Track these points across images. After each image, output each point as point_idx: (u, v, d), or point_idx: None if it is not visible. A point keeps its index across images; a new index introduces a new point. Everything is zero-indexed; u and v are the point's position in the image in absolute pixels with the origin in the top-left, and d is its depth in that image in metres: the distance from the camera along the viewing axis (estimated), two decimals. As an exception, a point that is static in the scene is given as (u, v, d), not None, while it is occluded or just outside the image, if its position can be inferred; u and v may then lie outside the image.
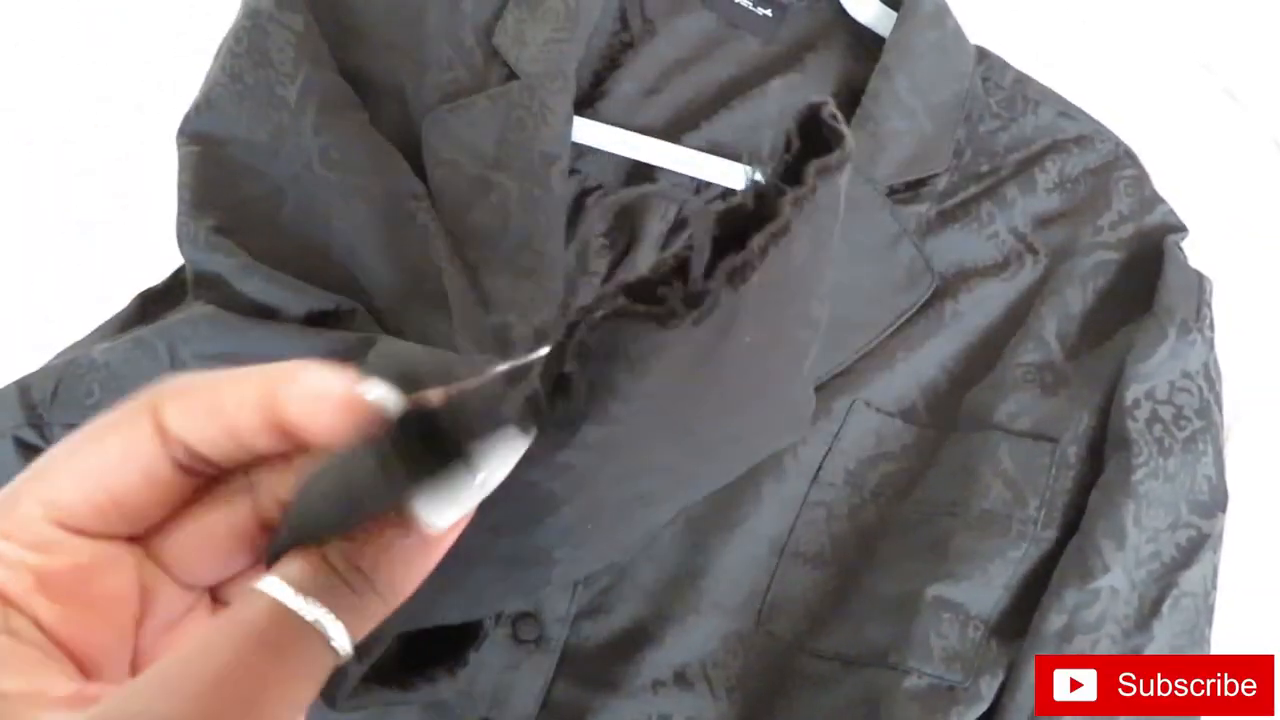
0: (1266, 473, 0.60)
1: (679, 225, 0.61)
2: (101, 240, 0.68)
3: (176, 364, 0.51)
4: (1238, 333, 0.59)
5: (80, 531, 0.24)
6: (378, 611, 0.24)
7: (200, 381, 0.25)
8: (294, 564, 0.23)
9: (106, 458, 0.24)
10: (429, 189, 0.58)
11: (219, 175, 0.58)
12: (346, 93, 0.57)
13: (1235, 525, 0.54)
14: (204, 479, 0.25)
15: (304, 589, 0.22)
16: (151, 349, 0.51)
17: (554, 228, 0.57)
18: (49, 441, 0.52)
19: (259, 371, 0.24)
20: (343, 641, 0.23)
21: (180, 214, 0.55)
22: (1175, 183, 0.59)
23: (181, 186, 0.56)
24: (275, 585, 0.22)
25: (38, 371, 0.53)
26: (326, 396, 0.24)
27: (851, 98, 0.60)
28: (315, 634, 0.22)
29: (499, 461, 0.24)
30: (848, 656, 0.52)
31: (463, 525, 0.25)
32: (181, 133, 0.58)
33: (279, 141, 0.56)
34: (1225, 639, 0.54)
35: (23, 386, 0.53)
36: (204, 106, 0.57)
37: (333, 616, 0.22)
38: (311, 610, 0.22)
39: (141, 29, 0.70)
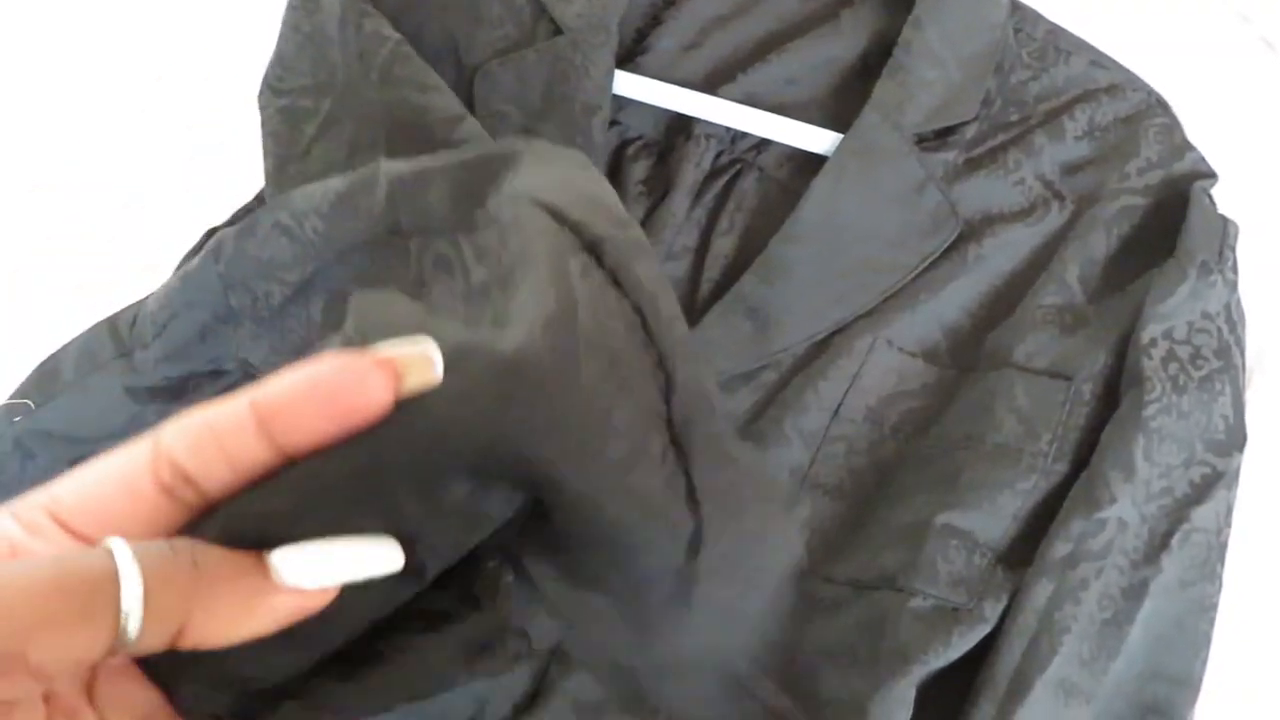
0: None
1: (714, 173, 0.64)
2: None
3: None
4: (1267, 279, 0.59)
5: (69, 529, 0.24)
6: (179, 616, 0.23)
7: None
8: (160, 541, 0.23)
9: (106, 461, 0.24)
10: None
11: (289, 130, 0.63)
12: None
13: (1256, 466, 0.54)
14: (186, 509, 0.24)
15: (141, 554, 0.22)
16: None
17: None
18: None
19: (256, 387, 0.24)
20: (133, 607, 0.22)
21: (267, 170, 0.60)
22: (1209, 132, 0.59)
23: (265, 143, 0.60)
24: (119, 543, 0.22)
25: (124, 309, 0.58)
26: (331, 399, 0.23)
27: (884, 50, 0.62)
28: (110, 585, 0.21)
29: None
30: (859, 582, 0.54)
31: (323, 601, 0.24)
32: (261, 94, 0.63)
33: (333, 77, 0.60)
34: (1241, 577, 0.55)
35: (111, 322, 0.58)
36: (274, 63, 0.62)
37: (139, 585, 0.22)
38: (128, 568, 0.22)
39: (203, 6, 0.75)
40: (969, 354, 0.58)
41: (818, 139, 0.62)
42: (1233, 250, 0.56)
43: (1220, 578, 0.53)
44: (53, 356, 0.58)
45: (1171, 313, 0.54)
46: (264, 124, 0.63)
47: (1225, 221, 0.57)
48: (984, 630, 0.51)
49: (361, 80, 0.59)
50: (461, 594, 0.33)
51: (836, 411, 0.57)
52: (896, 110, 0.60)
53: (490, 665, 0.33)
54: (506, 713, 0.55)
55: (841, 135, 0.60)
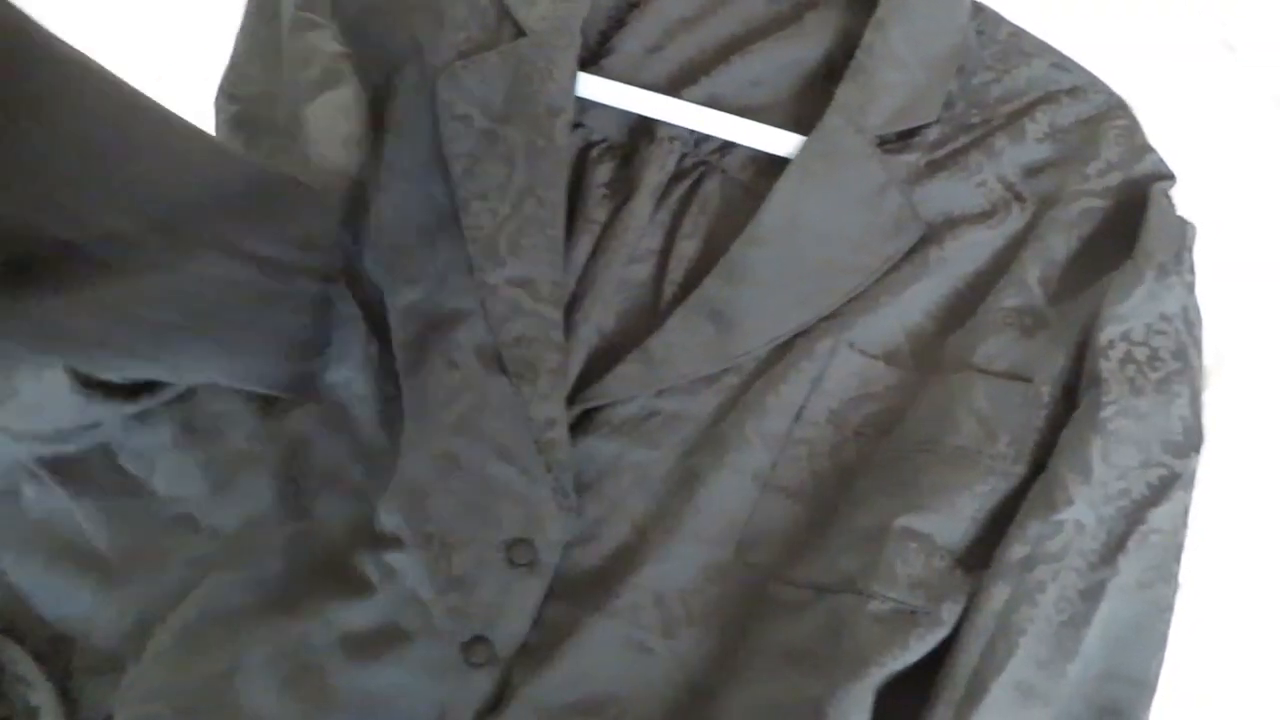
0: (1247, 417, 0.60)
1: (678, 176, 0.64)
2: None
3: None
4: (1225, 280, 0.60)
5: None
6: None
7: None
8: None
9: None
10: (441, 143, 0.61)
11: (236, 137, 0.63)
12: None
13: (1214, 468, 0.55)
14: None
15: None
16: None
17: (557, 177, 0.60)
18: None
19: None
20: None
21: None
22: (1169, 134, 0.59)
23: None
24: None
25: None
26: None
27: (848, 52, 0.62)
28: None
29: None
30: (819, 584, 0.54)
31: None
32: (216, 98, 0.64)
33: (282, 88, 0.60)
34: (1201, 577, 0.55)
35: None
36: (229, 67, 0.62)
37: None
38: None
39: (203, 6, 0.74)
40: (930, 356, 0.58)
41: (781, 141, 0.62)
42: (1190, 252, 0.56)
43: (1177, 579, 0.53)
44: None
45: (1129, 314, 0.54)
46: (216, 129, 0.63)
47: (1184, 223, 0.57)
48: (942, 633, 0.51)
49: (297, 95, 0.59)
50: None
51: (799, 415, 0.57)
52: (859, 112, 0.60)
53: None
54: (469, 719, 0.55)
55: (804, 138, 0.60)
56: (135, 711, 0.55)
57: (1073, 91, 0.61)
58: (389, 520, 0.57)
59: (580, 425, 0.59)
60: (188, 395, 0.60)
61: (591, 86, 0.63)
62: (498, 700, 0.56)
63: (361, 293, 0.60)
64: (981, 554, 0.53)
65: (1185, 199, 0.58)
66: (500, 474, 0.57)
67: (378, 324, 0.60)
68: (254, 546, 0.58)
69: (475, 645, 0.56)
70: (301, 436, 0.60)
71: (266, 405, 0.60)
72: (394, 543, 0.57)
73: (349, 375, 0.60)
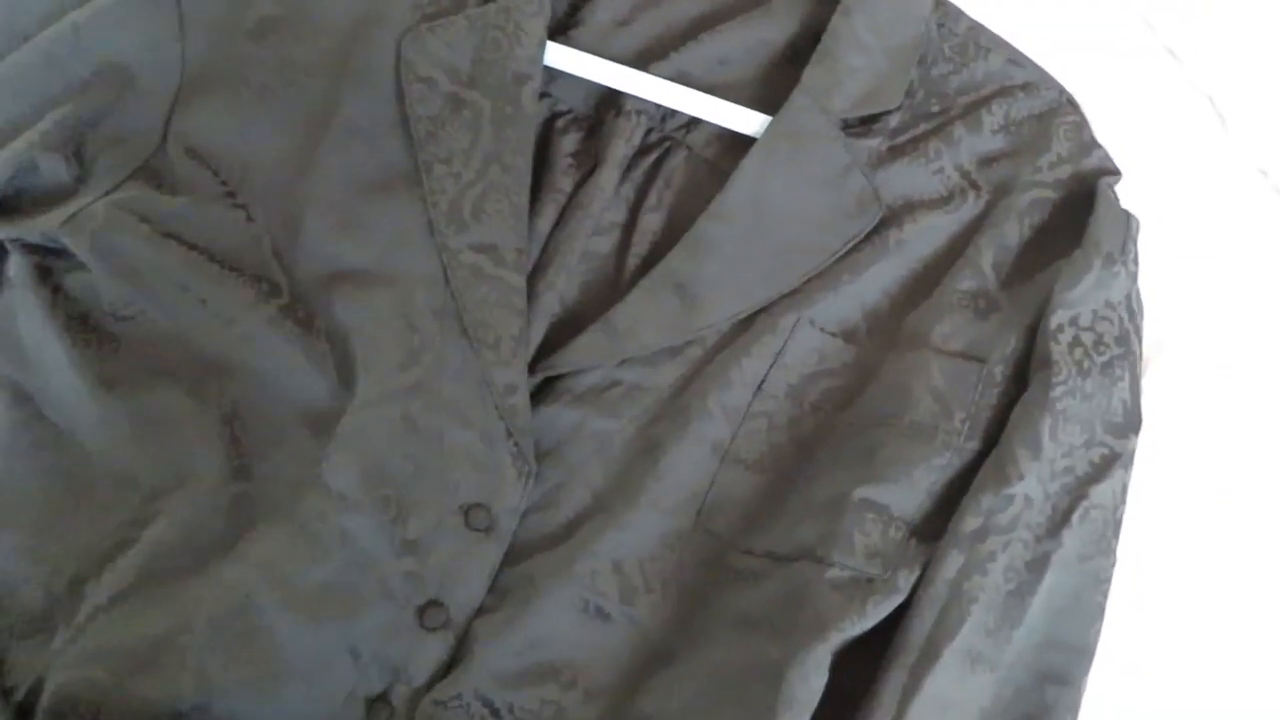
0: (1183, 401, 0.64)
1: (643, 150, 0.64)
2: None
3: None
4: (1163, 272, 0.63)
5: None
6: None
7: None
8: None
9: None
10: (404, 105, 0.61)
11: None
12: None
13: (1150, 448, 0.58)
14: None
15: None
16: None
17: (523, 144, 0.60)
18: None
19: None
20: None
21: None
22: (1112, 132, 0.63)
23: None
24: None
25: None
26: None
27: (813, 36, 0.63)
28: None
29: None
30: (778, 554, 0.56)
31: None
32: None
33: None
34: (1137, 551, 0.58)
35: None
36: None
37: None
38: None
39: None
40: (887, 335, 0.60)
41: (747, 120, 0.63)
42: (1135, 243, 0.59)
43: (1115, 553, 0.56)
44: None
45: (1078, 300, 0.57)
46: None
47: (1129, 216, 0.60)
48: (898, 600, 0.53)
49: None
50: None
51: (759, 388, 0.59)
52: (824, 95, 0.61)
53: None
54: (422, 682, 0.55)
55: (770, 117, 0.62)
56: (71, 675, 0.53)
57: (1026, 87, 0.63)
58: (341, 482, 0.56)
59: (541, 394, 0.59)
60: (107, 347, 0.59)
61: (559, 56, 0.63)
62: (451, 664, 0.56)
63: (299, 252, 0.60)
64: (936, 525, 0.55)
65: (1125, 191, 0.61)
66: (459, 439, 0.57)
67: (318, 284, 0.60)
68: (195, 506, 0.57)
69: (430, 609, 0.56)
70: (243, 395, 0.59)
71: (204, 366, 0.59)
72: (347, 505, 0.56)
73: (287, 335, 0.59)
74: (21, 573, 0.56)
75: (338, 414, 0.58)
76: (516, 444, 0.57)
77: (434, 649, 0.56)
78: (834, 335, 0.60)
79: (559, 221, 0.62)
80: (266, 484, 0.58)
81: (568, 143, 0.64)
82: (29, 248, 0.60)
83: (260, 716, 0.54)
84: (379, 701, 0.55)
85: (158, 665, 0.54)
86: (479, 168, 0.60)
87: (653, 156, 0.64)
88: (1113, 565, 0.56)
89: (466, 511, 0.57)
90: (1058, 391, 0.55)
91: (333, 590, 0.56)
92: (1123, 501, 0.57)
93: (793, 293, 0.60)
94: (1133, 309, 0.59)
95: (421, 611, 0.56)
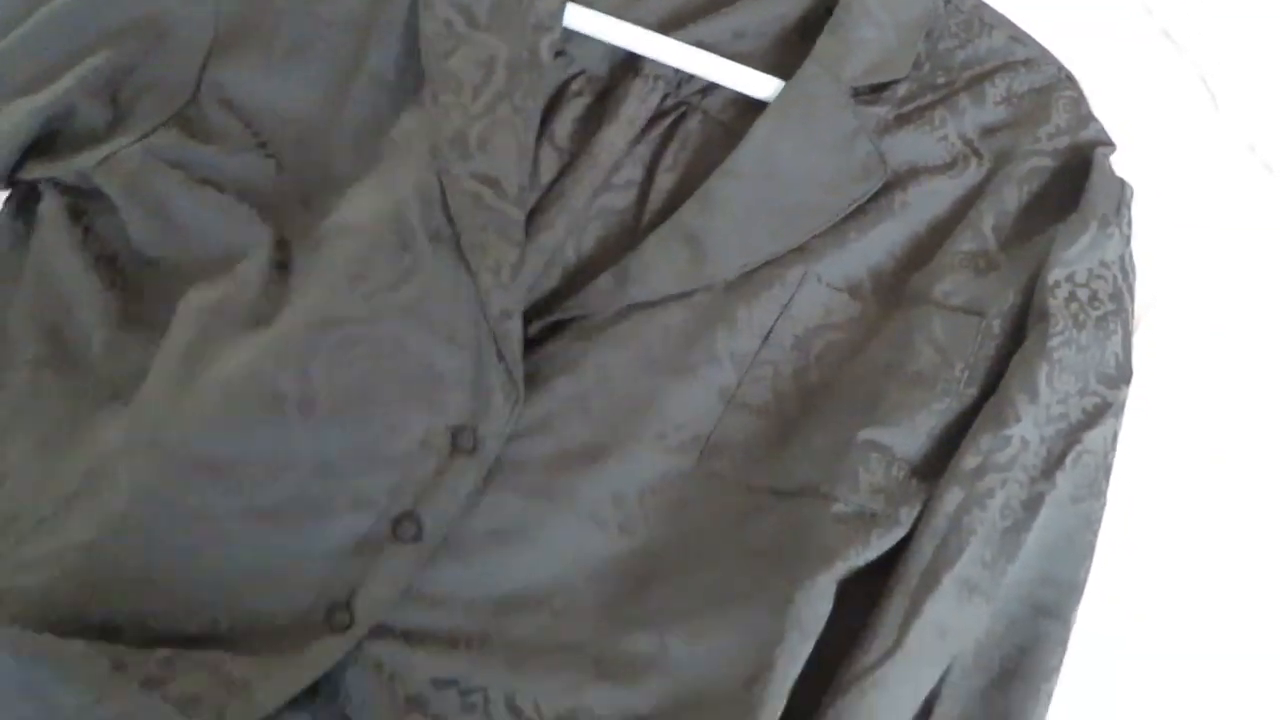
0: (1173, 357, 0.67)
1: (660, 114, 0.67)
2: None
3: None
4: (1156, 238, 0.67)
5: None
6: None
7: None
8: None
9: None
10: (419, 40, 0.63)
11: None
12: None
13: (1141, 401, 0.61)
14: None
15: None
16: None
17: (535, 89, 0.62)
18: None
19: None
20: None
21: None
22: (1108, 109, 0.66)
23: None
24: None
25: None
26: None
27: (825, 12, 0.66)
28: None
29: None
30: (781, 489, 0.58)
31: None
32: None
33: None
34: (1126, 499, 0.61)
35: None
36: None
37: None
38: None
39: None
40: (890, 293, 0.63)
41: (761, 85, 0.66)
42: (1129, 208, 0.63)
43: (1105, 496, 0.59)
44: None
45: (1074, 259, 0.60)
46: None
47: (1123, 183, 0.63)
48: (900, 533, 0.56)
49: None
50: None
51: (766, 337, 0.61)
52: (836, 64, 0.64)
53: None
54: (389, 593, 0.55)
55: (784, 83, 0.64)
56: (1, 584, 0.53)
57: (1028, 63, 0.66)
58: (325, 397, 0.56)
59: (548, 334, 0.61)
60: (132, 289, 0.61)
61: (579, 17, 0.66)
62: (425, 580, 0.55)
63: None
64: (936, 465, 0.57)
65: (1122, 167, 0.64)
66: (449, 360, 0.58)
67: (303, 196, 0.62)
68: (141, 401, 0.56)
69: (404, 521, 0.55)
70: (213, 305, 0.59)
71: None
72: (328, 418, 0.56)
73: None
74: (21, 481, 0.57)
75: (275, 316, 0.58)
76: (508, 369, 0.57)
77: (404, 561, 0.55)
78: (840, 290, 0.62)
79: (562, 172, 0.64)
80: (212, 389, 0.56)
81: (577, 105, 0.66)
82: (62, 188, 0.62)
83: (202, 611, 0.54)
84: (341, 609, 0.54)
85: (91, 572, 0.53)
86: (488, 103, 0.61)
87: (669, 120, 0.67)
88: (1103, 508, 0.59)
89: (454, 432, 0.57)
90: (1054, 342, 0.58)
91: (302, 499, 0.55)
92: (1113, 448, 0.59)
93: (800, 248, 0.62)
94: (1125, 269, 0.62)
95: (396, 523, 0.55)
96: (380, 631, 0.54)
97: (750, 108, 0.66)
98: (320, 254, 0.59)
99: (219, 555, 0.54)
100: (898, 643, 0.53)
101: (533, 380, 0.59)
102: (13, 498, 0.57)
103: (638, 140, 0.66)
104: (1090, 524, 0.58)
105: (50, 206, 0.62)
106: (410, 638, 0.55)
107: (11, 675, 0.50)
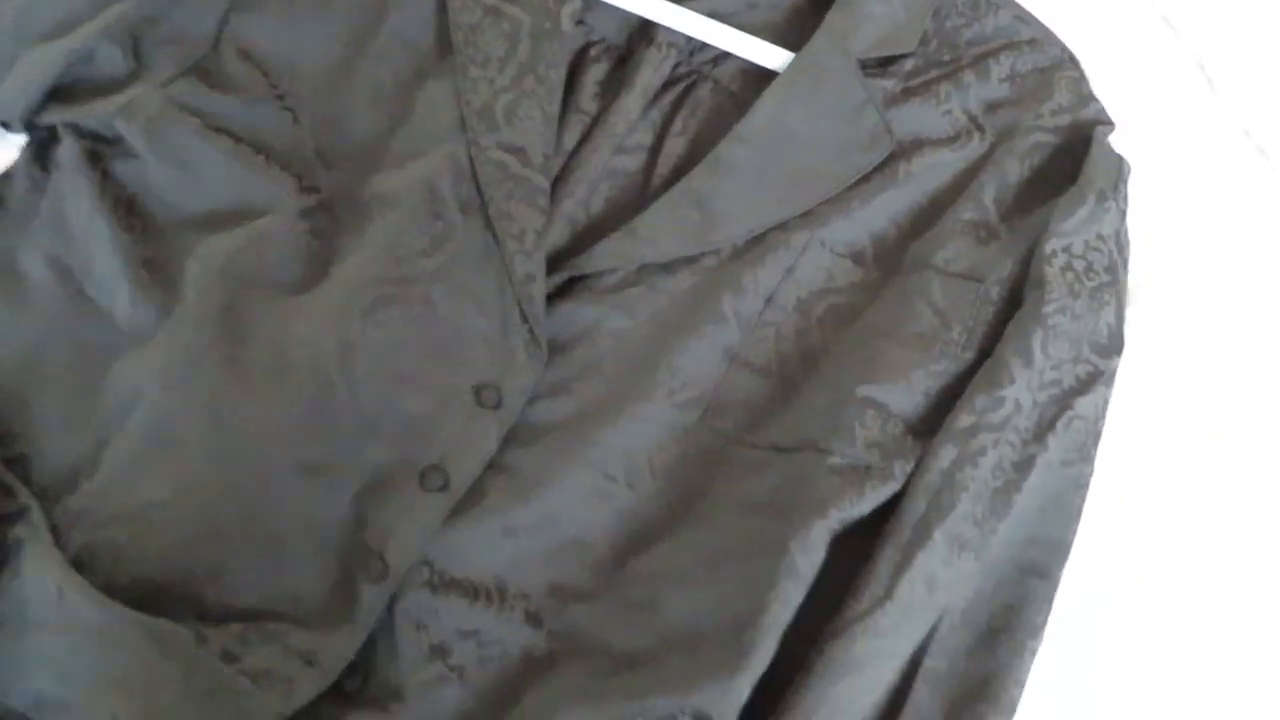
0: (1165, 332, 0.68)
1: (672, 81, 0.68)
2: None
3: None
4: (1151, 217, 0.69)
5: None
6: None
7: None
8: None
9: None
10: (445, 15, 0.65)
11: None
12: None
13: (1133, 375, 0.63)
14: None
15: None
16: None
17: (558, 59, 0.64)
18: None
19: None
20: None
21: None
22: (1108, 91, 0.67)
23: None
24: None
25: None
26: None
27: None
28: None
29: None
30: (781, 446, 0.59)
31: None
32: None
33: None
34: (1114, 461, 0.63)
35: None
36: None
37: None
38: None
39: None
40: (891, 260, 0.64)
41: (772, 55, 0.67)
42: (1125, 184, 0.64)
43: (1093, 461, 0.60)
44: None
45: (1071, 231, 0.62)
46: None
47: (1120, 160, 0.65)
48: (894, 487, 0.57)
49: None
50: None
51: (770, 298, 0.62)
52: (845, 37, 0.66)
53: None
54: (417, 543, 0.56)
55: (794, 54, 0.66)
56: (95, 536, 0.55)
57: (1032, 43, 0.68)
58: (357, 356, 0.58)
59: (563, 292, 0.63)
60: (150, 232, 0.62)
61: (598, -14, 0.67)
62: (452, 532, 0.57)
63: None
64: (931, 423, 0.59)
65: (1119, 147, 0.66)
66: (476, 323, 0.60)
67: (355, 181, 0.63)
68: (191, 368, 0.58)
69: (431, 472, 0.58)
70: (240, 266, 0.61)
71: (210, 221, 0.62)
72: (359, 378, 0.58)
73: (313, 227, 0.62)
74: (51, 440, 0.59)
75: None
76: (531, 330, 0.60)
77: (431, 511, 0.57)
78: (843, 256, 0.64)
79: (583, 139, 0.66)
80: (259, 346, 0.59)
81: (597, 70, 0.68)
82: (81, 133, 0.63)
83: (265, 575, 0.56)
84: (375, 558, 0.56)
85: (171, 529, 0.56)
86: (514, 75, 0.63)
87: (680, 87, 0.68)
88: (1091, 473, 0.60)
89: (478, 390, 0.59)
90: (1050, 309, 0.59)
91: (342, 454, 0.57)
92: (1103, 416, 0.61)
93: (806, 214, 0.64)
94: (1121, 243, 0.64)
95: (423, 475, 0.58)
96: (411, 581, 0.56)
97: (760, 79, 0.67)
98: (359, 225, 0.62)
99: (275, 511, 0.56)
100: (888, 592, 0.55)
101: (551, 346, 0.61)
102: (49, 448, 0.58)
103: (650, 107, 0.67)
104: (1079, 487, 0.60)
105: (69, 151, 0.63)
106: (436, 588, 0.56)
107: (108, 640, 0.52)
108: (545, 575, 0.58)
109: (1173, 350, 0.68)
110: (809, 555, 0.55)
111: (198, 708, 0.52)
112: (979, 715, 0.56)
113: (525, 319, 0.60)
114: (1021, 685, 0.57)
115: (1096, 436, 0.61)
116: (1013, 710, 0.57)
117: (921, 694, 0.56)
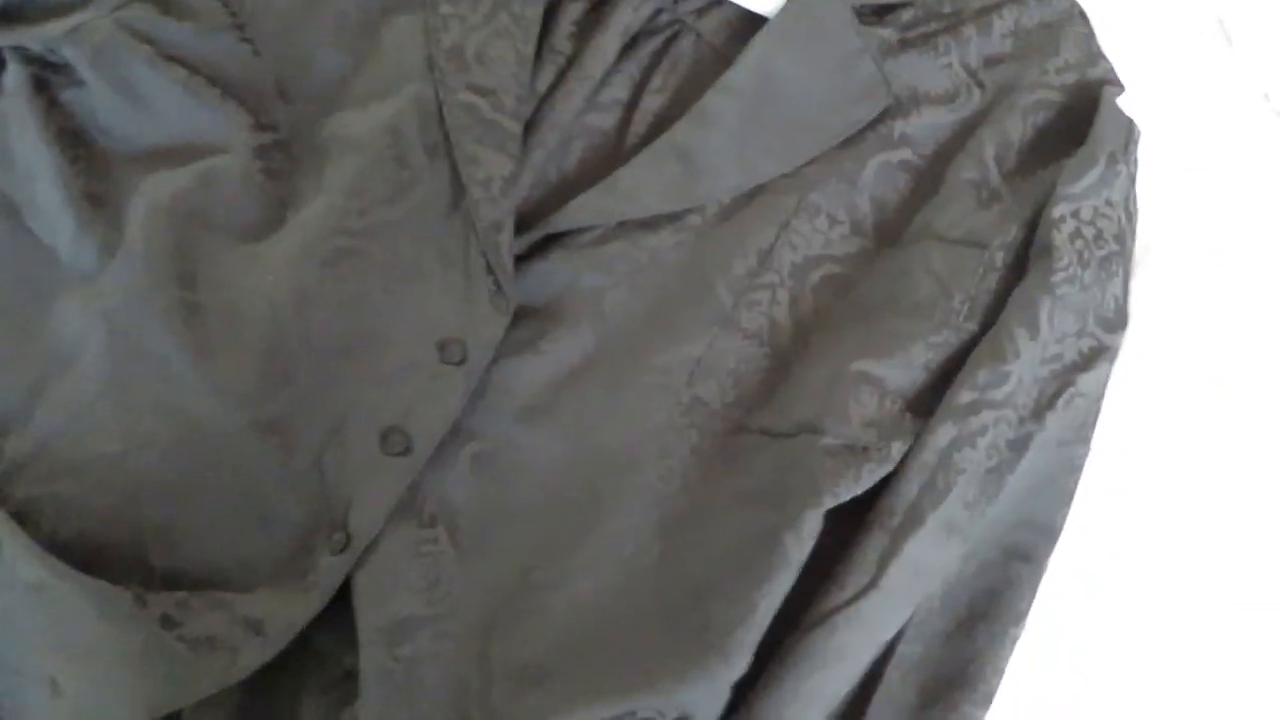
0: (1165, 301, 0.65)
1: (651, 31, 0.64)
2: None
3: None
4: (1159, 181, 0.65)
5: None
6: None
7: None
8: None
9: None
10: None
11: None
12: None
13: (1136, 341, 0.60)
14: None
15: None
16: None
17: None
18: None
19: None
20: None
21: None
22: (1120, 48, 0.64)
23: None
24: None
25: None
26: None
27: None
28: None
29: None
30: (774, 431, 0.56)
31: None
32: None
33: None
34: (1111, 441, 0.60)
35: None
36: None
37: None
38: None
39: None
40: (891, 229, 0.61)
41: (763, 1, 0.63)
42: (1136, 147, 0.61)
43: (1090, 443, 0.58)
44: None
45: (1080, 195, 0.58)
46: None
47: (1130, 122, 0.61)
48: (890, 468, 0.54)
49: None
50: None
51: (762, 261, 0.59)
52: None
53: None
54: (380, 509, 0.54)
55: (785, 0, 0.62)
56: (39, 489, 0.53)
57: None
58: (316, 311, 0.55)
59: (536, 251, 0.59)
60: (96, 164, 0.59)
61: (578, -79, 0.63)
62: (416, 497, 0.55)
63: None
64: (930, 401, 0.55)
65: (1130, 108, 0.62)
66: (440, 274, 0.57)
67: (316, 119, 0.60)
68: (140, 314, 0.55)
69: (393, 435, 0.55)
70: (190, 206, 0.58)
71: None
72: (317, 334, 0.55)
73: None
74: None
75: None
76: (496, 281, 0.56)
77: (394, 476, 0.54)
78: (841, 223, 0.60)
79: (556, 81, 0.62)
80: (217, 298, 0.56)
81: (574, 10, 0.63)
82: (28, 58, 0.60)
83: (216, 539, 0.54)
84: (337, 529, 0.54)
85: (119, 485, 0.54)
86: (487, 13, 0.60)
87: (660, 38, 0.64)
88: (1086, 455, 0.58)
89: (442, 346, 0.56)
90: (1058, 277, 0.56)
91: (300, 413, 0.55)
92: (1102, 395, 0.58)
93: (796, 174, 0.60)
94: (1130, 211, 0.60)
95: (384, 437, 0.55)
96: (373, 550, 0.53)
97: (746, 32, 0.63)
98: (317, 168, 0.59)
99: (229, 470, 0.54)
100: (874, 580, 0.52)
101: (525, 309, 0.57)
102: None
103: (627, 55, 0.63)
104: (1073, 469, 0.57)
105: (14, 77, 0.60)
106: (401, 557, 0.54)
107: (46, 598, 0.51)
108: (515, 550, 0.55)
109: (1175, 328, 0.65)
110: (801, 545, 0.52)
111: (135, 673, 0.50)
112: (954, 703, 0.54)
113: (490, 269, 0.56)
114: (1000, 674, 0.55)
115: (1095, 416, 0.58)
116: (990, 700, 0.55)
117: (893, 680, 0.54)
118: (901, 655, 0.55)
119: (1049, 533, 0.57)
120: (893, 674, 0.54)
